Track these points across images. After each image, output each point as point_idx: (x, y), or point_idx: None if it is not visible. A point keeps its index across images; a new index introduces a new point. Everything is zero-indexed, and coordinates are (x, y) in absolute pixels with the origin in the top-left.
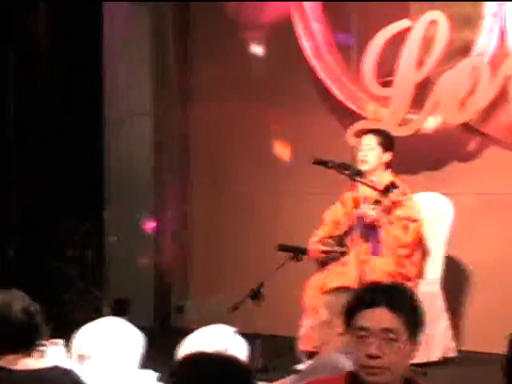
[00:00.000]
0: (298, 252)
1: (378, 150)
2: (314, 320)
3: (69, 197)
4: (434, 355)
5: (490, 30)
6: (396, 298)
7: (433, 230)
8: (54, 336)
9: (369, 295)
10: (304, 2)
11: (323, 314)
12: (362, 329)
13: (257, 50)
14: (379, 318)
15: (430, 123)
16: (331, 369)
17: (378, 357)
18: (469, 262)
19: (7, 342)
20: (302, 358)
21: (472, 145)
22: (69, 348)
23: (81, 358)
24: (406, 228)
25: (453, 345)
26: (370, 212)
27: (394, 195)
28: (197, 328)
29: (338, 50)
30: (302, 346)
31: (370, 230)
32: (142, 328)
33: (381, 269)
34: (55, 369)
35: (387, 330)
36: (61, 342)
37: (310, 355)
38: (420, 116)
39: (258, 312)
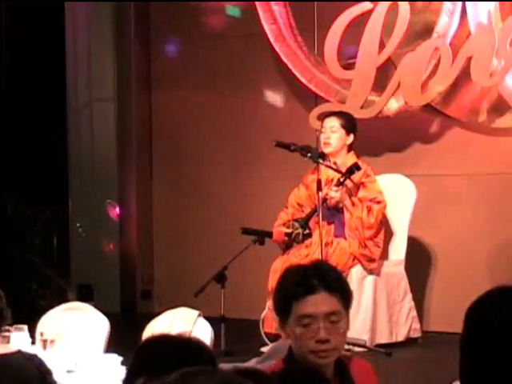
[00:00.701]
0: (262, 235)
1: (341, 132)
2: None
3: (33, 184)
4: (399, 336)
5: (450, 11)
6: (331, 279)
7: (396, 212)
8: (18, 322)
9: (306, 282)
10: None
11: None
12: (307, 316)
13: (219, 35)
14: (321, 303)
15: (392, 105)
16: None
17: (327, 340)
18: (431, 243)
19: None
20: (266, 340)
21: (434, 126)
22: (33, 333)
23: (45, 342)
24: (369, 210)
25: (417, 325)
26: (334, 194)
27: (356, 177)
28: (162, 313)
29: (300, 33)
30: (266, 328)
31: (333, 212)
32: (107, 314)
33: (344, 250)
34: (19, 353)
35: (330, 314)
36: (25, 327)
37: (274, 337)
38: (382, 98)
39: (223, 295)
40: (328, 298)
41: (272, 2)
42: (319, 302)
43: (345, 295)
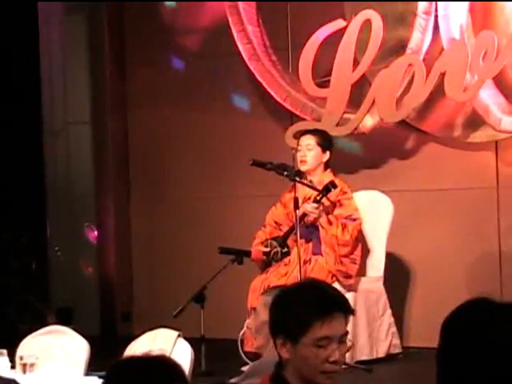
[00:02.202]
0: (240, 254)
1: (317, 149)
2: (254, 320)
3: (10, 209)
4: (379, 352)
5: (422, 27)
6: (344, 301)
7: (373, 228)
8: None
9: (326, 304)
10: (239, 4)
11: (262, 313)
12: (325, 338)
13: (193, 55)
14: (339, 325)
15: (368, 122)
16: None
17: (339, 361)
18: (409, 259)
19: None
20: (245, 359)
21: (409, 142)
22: (13, 357)
23: (25, 366)
24: (344, 227)
25: (397, 341)
26: (309, 208)
27: (333, 195)
28: (142, 335)
29: (274, 51)
30: (245, 347)
31: (311, 230)
32: (87, 336)
33: (322, 267)
34: None
35: (344, 335)
36: (4, 351)
37: (254, 356)
38: (357, 115)
39: (202, 316)
40: (342, 319)
41: (246, 22)
42: (337, 324)
43: (349, 315)
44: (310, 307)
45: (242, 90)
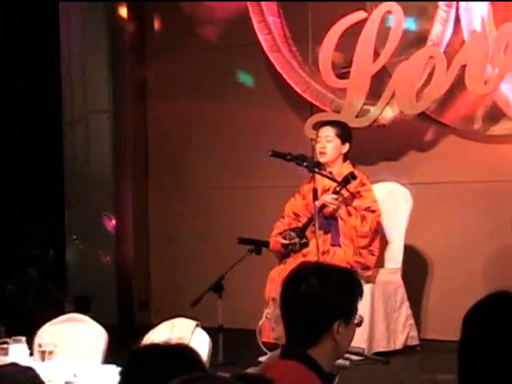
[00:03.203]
0: (259, 245)
1: (337, 141)
2: (273, 311)
3: (29, 196)
4: (397, 344)
5: (443, 19)
6: None
7: (392, 220)
8: (16, 334)
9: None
10: None
11: None
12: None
13: (213, 45)
14: None
15: (387, 114)
16: None
17: None
18: (428, 251)
19: None
20: (264, 349)
21: (429, 134)
22: (31, 345)
23: (43, 354)
24: (363, 218)
25: (414, 333)
26: (328, 198)
27: (352, 186)
28: (160, 324)
29: (295, 43)
30: (263, 337)
31: (330, 221)
32: (104, 325)
33: (340, 258)
34: (12, 366)
35: None
36: (23, 339)
37: (272, 347)
38: (377, 107)
39: (220, 306)
40: None
41: (266, 13)
42: None
43: None
44: (358, 286)
45: (261, 81)
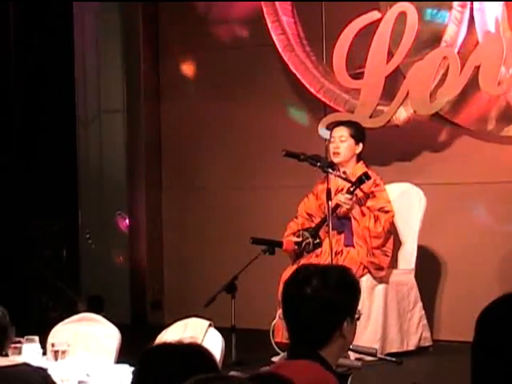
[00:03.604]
0: (272, 245)
1: (350, 141)
2: None
3: (42, 196)
4: (410, 345)
5: (458, 20)
6: None
7: (405, 221)
8: (29, 333)
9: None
10: None
11: None
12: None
13: (227, 45)
14: None
15: (401, 114)
16: None
17: None
18: (441, 252)
19: None
20: (277, 350)
21: (443, 135)
22: (44, 344)
23: (56, 353)
24: (377, 219)
25: (428, 334)
26: (345, 200)
27: (366, 186)
28: (172, 324)
29: (309, 43)
30: (276, 338)
31: (343, 222)
32: (117, 325)
33: (354, 259)
34: (24, 366)
35: None
36: (36, 338)
37: (285, 347)
38: (391, 107)
39: (233, 306)
40: None
41: (280, 13)
42: None
43: None
44: (357, 283)
45: (275, 81)
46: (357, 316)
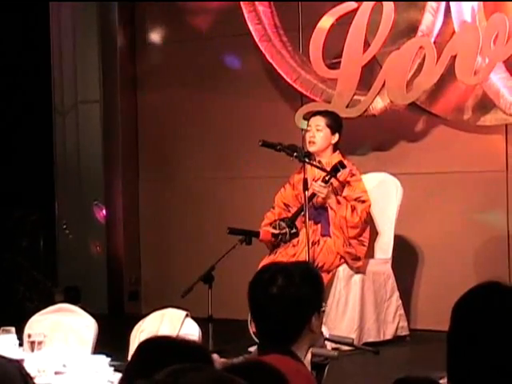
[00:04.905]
0: (249, 235)
1: (326, 131)
2: None
3: (19, 187)
4: (387, 334)
5: (434, 10)
6: None
7: (382, 210)
8: (6, 324)
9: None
10: None
11: None
12: None
13: (204, 35)
14: None
15: (378, 104)
16: None
17: None
18: (418, 242)
19: None
20: (255, 339)
21: (419, 125)
22: (21, 335)
23: (33, 344)
24: (353, 209)
25: (404, 324)
26: (319, 188)
27: (342, 176)
28: (150, 314)
29: (285, 32)
30: (254, 328)
31: (320, 212)
32: (94, 315)
33: (331, 249)
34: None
35: None
36: (13, 329)
37: None
38: (367, 97)
39: (210, 296)
40: None
41: (257, 3)
42: None
43: None
44: (320, 277)
45: (251, 71)
46: (322, 309)
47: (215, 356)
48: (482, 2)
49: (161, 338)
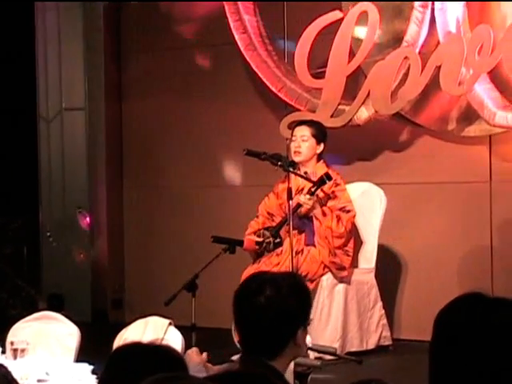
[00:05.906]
0: (233, 243)
1: (312, 141)
2: None
3: (3, 193)
4: (369, 344)
5: (419, 20)
6: None
7: (366, 220)
8: None
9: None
10: None
11: None
12: None
13: (189, 44)
14: None
15: (362, 114)
16: None
17: None
18: (401, 251)
19: None
20: (237, 349)
21: (404, 135)
22: (4, 342)
23: (16, 352)
24: (339, 219)
25: (387, 333)
26: (303, 199)
27: (326, 186)
28: (133, 322)
29: (271, 42)
30: (237, 336)
31: (304, 221)
32: (78, 323)
33: (315, 258)
34: None
35: None
36: None
37: None
38: (352, 107)
39: (193, 304)
40: None
41: (242, 12)
42: None
43: None
44: (307, 289)
45: (236, 80)
46: (308, 323)
47: (209, 364)
48: (466, 13)
49: (131, 345)
